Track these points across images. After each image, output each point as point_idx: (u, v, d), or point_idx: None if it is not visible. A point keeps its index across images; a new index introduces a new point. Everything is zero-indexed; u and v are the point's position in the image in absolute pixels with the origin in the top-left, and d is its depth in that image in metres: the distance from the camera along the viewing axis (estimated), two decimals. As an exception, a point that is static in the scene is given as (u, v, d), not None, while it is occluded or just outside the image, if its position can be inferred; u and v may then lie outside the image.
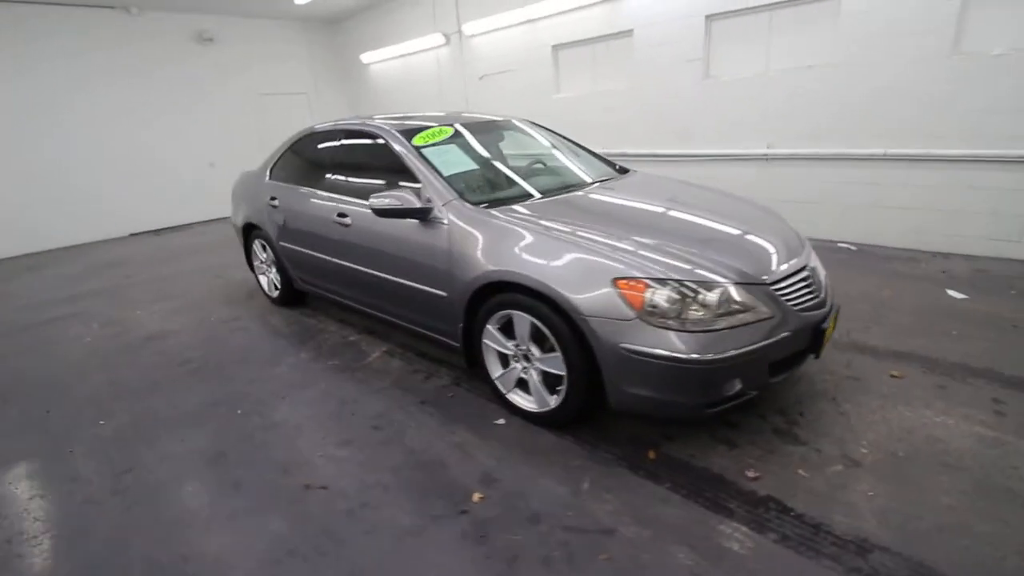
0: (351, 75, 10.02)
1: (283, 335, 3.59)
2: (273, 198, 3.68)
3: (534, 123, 3.55)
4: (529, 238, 2.17)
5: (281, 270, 3.87)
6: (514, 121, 3.40)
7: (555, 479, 1.98)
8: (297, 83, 9.60)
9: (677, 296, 1.85)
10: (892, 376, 2.53)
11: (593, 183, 2.87)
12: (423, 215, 2.48)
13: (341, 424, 2.46)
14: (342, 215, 3.00)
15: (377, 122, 3.00)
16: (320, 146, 3.42)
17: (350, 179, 3.14)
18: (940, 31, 3.88)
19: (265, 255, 4.06)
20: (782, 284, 2.02)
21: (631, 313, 1.86)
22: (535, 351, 2.20)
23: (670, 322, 1.84)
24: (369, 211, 2.79)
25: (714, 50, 5.17)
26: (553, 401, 2.20)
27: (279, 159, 3.81)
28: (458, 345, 2.58)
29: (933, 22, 3.89)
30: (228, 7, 8.09)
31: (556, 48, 6.47)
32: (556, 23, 6.31)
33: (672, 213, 2.42)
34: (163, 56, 7.96)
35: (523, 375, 2.31)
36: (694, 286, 1.87)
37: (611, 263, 1.95)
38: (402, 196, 2.46)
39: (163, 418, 2.63)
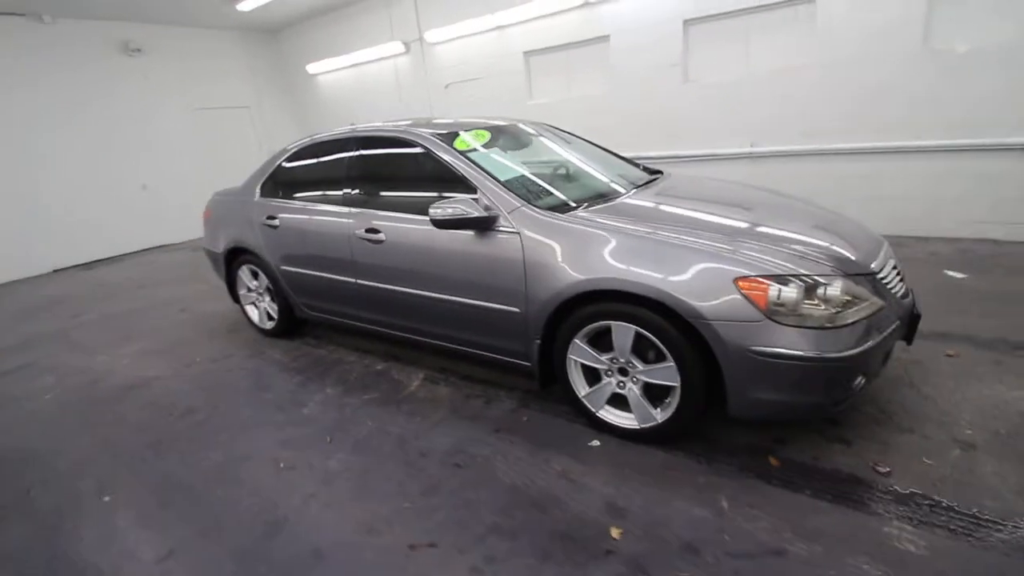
0: (296, 87, 9.44)
1: (294, 370, 3.18)
2: (271, 217, 3.28)
3: (550, 126, 3.40)
4: (624, 243, 2.01)
5: (280, 297, 3.46)
6: (520, 124, 3.19)
7: (688, 500, 1.82)
8: (237, 96, 8.89)
9: (801, 292, 1.76)
10: (948, 356, 2.60)
11: (640, 185, 2.75)
12: (487, 224, 2.26)
13: (414, 466, 2.16)
14: (372, 231, 2.70)
15: (414, 128, 2.72)
16: (332, 157, 3.07)
17: (380, 192, 2.84)
18: (910, 32, 4.17)
19: (256, 282, 3.62)
20: (883, 273, 2.00)
21: (759, 314, 1.76)
22: (637, 363, 2.04)
23: (798, 320, 1.75)
24: (410, 225, 2.55)
25: (693, 54, 5.30)
26: (659, 415, 2.04)
27: (272, 174, 3.41)
28: (530, 365, 2.37)
29: (903, 23, 4.18)
30: (156, 15, 7.35)
31: (528, 54, 6.40)
32: (527, 29, 6.25)
33: (748, 212, 2.34)
34: (84, 69, 7.07)
35: (619, 390, 2.14)
36: (813, 281, 1.80)
37: (727, 264, 1.83)
38: (464, 205, 2.23)
39: (185, 485, 2.20)
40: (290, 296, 3.39)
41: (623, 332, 2.00)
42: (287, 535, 1.86)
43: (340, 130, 3.12)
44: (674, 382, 1.94)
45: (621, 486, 1.91)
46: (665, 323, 1.89)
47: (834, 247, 2.01)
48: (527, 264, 2.18)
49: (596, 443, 2.18)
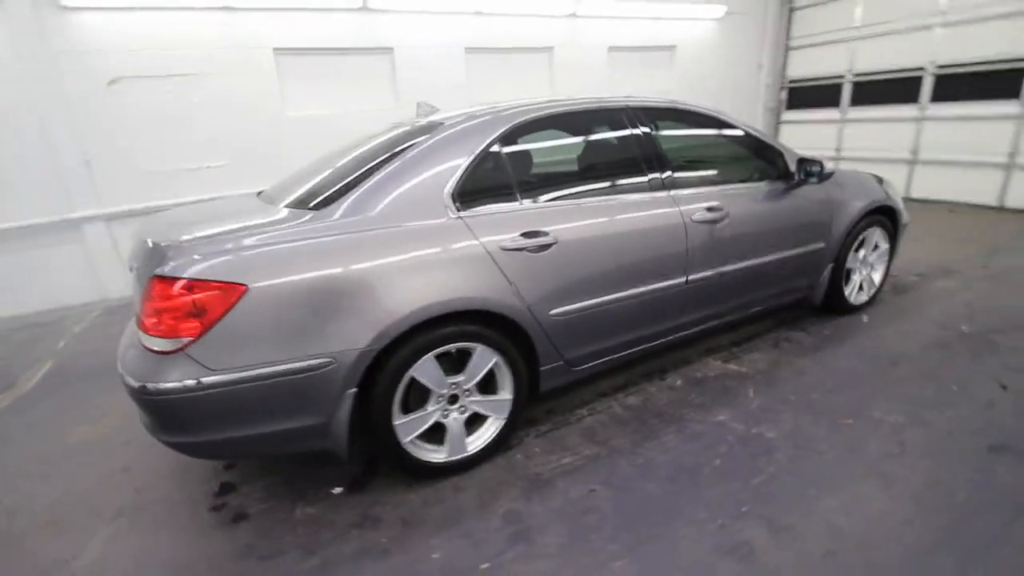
0: None
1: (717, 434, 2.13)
2: (530, 234, 1.94)
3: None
4: (851, 177, 3.09)
5: (524, 370, 2.05)
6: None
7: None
8: None
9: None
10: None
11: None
12: (817, 177, 2.75)
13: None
14: (713, 209, 2.38)
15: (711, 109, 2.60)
16: (613, 134, 2.26)
17: (691, 171, 2.54)
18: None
19: (457, 378, 1.91)
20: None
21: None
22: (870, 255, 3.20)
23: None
24: (749, 199, 2.61)
25: (476, 78, 5.91)
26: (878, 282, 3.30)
27: (479, 163, 1.94)
28: (808, 294, 3.02)
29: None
30: None
31: (280, 52, 4.96)
32: (278, 20, 4.86)
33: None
34: None
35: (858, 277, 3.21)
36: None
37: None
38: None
39: None
40: (547, 357, 2.10)
41: (879, 234, 3.12)
42: None
43: (613, 97, 2.30)
44: (887, 254, 3.26)
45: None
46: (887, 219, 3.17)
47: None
48: (832, 203, 2.86)
49: (865, 319, 3.17)
